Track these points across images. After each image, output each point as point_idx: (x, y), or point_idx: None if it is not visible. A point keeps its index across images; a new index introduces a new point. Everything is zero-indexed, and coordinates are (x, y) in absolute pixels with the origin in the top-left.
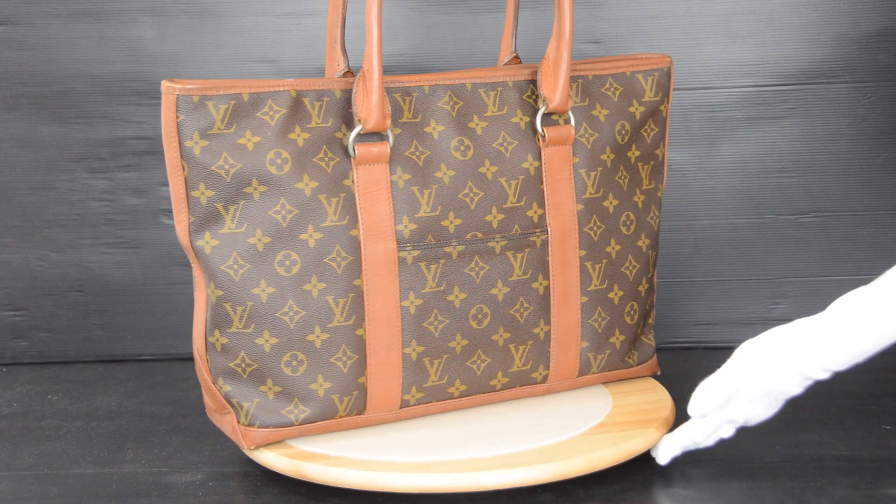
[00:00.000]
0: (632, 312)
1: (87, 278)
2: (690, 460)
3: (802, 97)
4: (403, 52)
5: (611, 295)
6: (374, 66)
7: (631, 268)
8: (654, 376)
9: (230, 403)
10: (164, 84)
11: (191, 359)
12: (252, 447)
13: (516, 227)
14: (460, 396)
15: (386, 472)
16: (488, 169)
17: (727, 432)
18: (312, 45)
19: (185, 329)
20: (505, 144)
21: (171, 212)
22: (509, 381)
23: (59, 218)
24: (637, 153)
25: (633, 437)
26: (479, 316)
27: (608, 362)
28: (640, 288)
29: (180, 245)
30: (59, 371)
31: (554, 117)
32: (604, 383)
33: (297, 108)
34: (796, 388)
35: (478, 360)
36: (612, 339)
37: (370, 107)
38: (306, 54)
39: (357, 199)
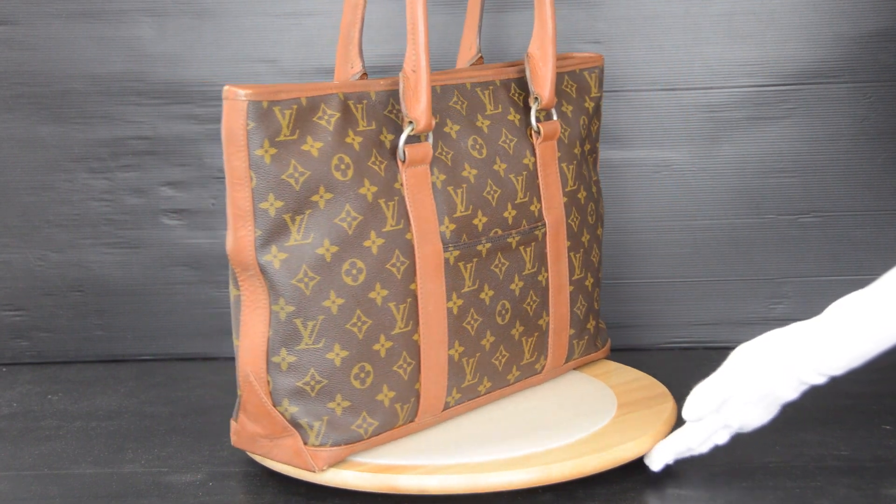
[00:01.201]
0: (598, 298)
1: (87, 278)
2: (690, 460)
3: (802, 97)
4: (403, 52)
5: (586, 283)
6: (422, 66)
7: (595, 256)
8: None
9: (296, 425)
10: (229, 89)
11: (191, 359)
12: (324, 468)
13: (524, 222)
14: (485, 394)
15: (387, 474)
16: (500, 166)
17: (722, 438)
18: (312, 45)
19: (185, 329)
20: (508, 142)
21: (171, 212)
22: (520, 374)
23: (59, 218)
24: (588, 146)
25: (638, 439)
26: (503, 312)
27: (586, 347)
28: (600, 274)
29: (234, 263)
30: (59, 371)
31: (541, 114)
32: (577, 368)
33: (346, 111)
34: (792, 392)
35: (500, 356)
36: (589, 325)
37: (421, 108)
38: (306, 54)
39: (407, 202)
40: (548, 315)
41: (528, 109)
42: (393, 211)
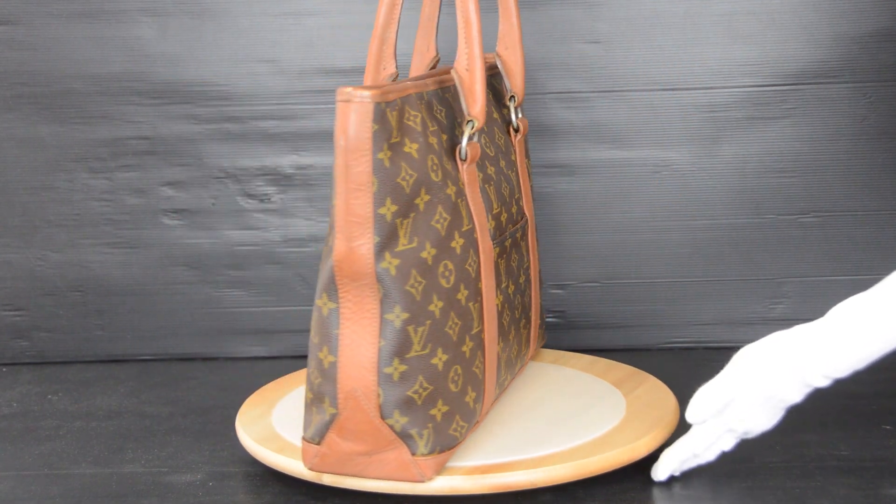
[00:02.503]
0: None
1: (87, 278)
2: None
3: (802, 97)
4: (403, 52)
5: (532, 273)
6: (477, 65)
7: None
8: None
9: (405, 437)
10: (349, 91)
11: (191, 359)
12: (432, 476)
13: (517, 216)
14: (505, 389)
15: (494, 474)
16: (502, 163)
17: (727, 444)
18: (312, 45)
19: (185, 329)
20: (501, 139)
21: (171, 212)
22: (520, 365)
23: (59, 218)
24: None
25: (640, 440)
26: (518, 305)
27: (540, 334)
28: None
29: (344, 274)
30: (59, 371)
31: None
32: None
33: (424, 111)
34: (796, 395)
35: (514, 350)
36: (540, 311)
37: (479, 107)
38: (306, 54)
39: (469, 201)
40: (531, 305)
41: (502, 107)
42: (466, 210)
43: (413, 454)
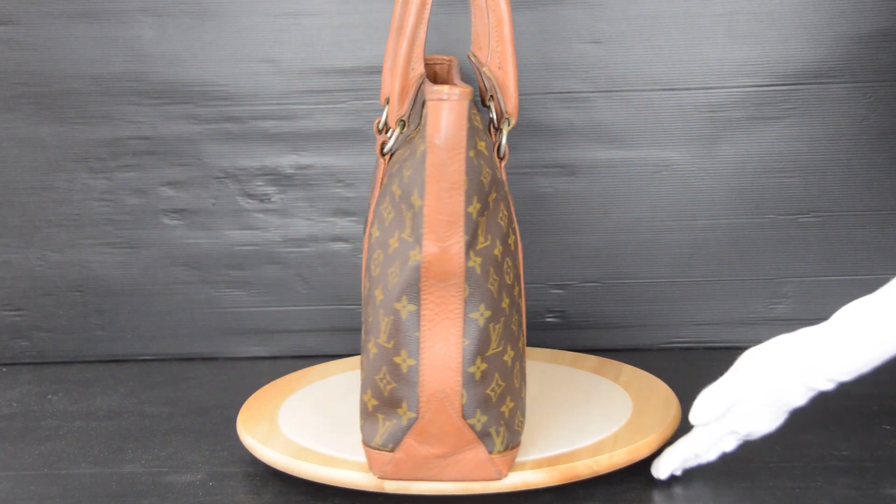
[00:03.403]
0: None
1: (87, 278)
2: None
3: (802, 97)
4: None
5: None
6: (511, 63)
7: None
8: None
9: (484, 435)
10: (443, 90)
11: (191, 359)
12: (507, 473)
13: None
14: None
15: (564, 464)
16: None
17: (729, 445)
18: (312, 45)
19: (185, 329)
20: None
21: (171, 212)
22: None
23: (59, 218)
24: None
25: (642, 440)
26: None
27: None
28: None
29: (432, 274)
30: (59, 371)
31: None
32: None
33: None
34: (800, 398)
35: None
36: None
37: (513, 104)
38: (306, 54)
39: (509, 199)
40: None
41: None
42: (510, 208)
43: (490, 452)
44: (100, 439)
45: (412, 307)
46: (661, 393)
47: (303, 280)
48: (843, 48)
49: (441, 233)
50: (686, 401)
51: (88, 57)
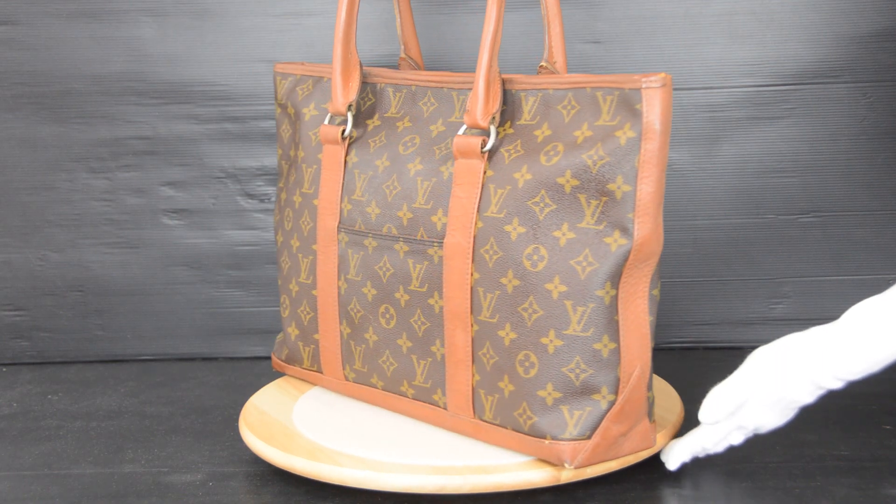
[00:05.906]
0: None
1: (87, 278)
2: (690, 460)
3: (802, 97)
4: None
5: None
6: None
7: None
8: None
9: (651, 406)
10: (659, 77)
11: (191, 359)
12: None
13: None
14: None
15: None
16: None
17: (737, 439)
18: (312, 45)
19: (185, 329)
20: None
21: (171, 212)
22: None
23: (59, 218)
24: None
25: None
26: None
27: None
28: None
29: (646, 255)
30: (59, 371)
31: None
32: None
33: None
34: (808, 396)
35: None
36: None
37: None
38: (306, 54)
39: None
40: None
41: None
42: None
43: (651, 421)
44: (100, 439)
45: (613, 291)
46: (664, 392)
47: None
48: (843, 48)
49: (655, 214)
50: (686, 400)
51: (88, 57)
